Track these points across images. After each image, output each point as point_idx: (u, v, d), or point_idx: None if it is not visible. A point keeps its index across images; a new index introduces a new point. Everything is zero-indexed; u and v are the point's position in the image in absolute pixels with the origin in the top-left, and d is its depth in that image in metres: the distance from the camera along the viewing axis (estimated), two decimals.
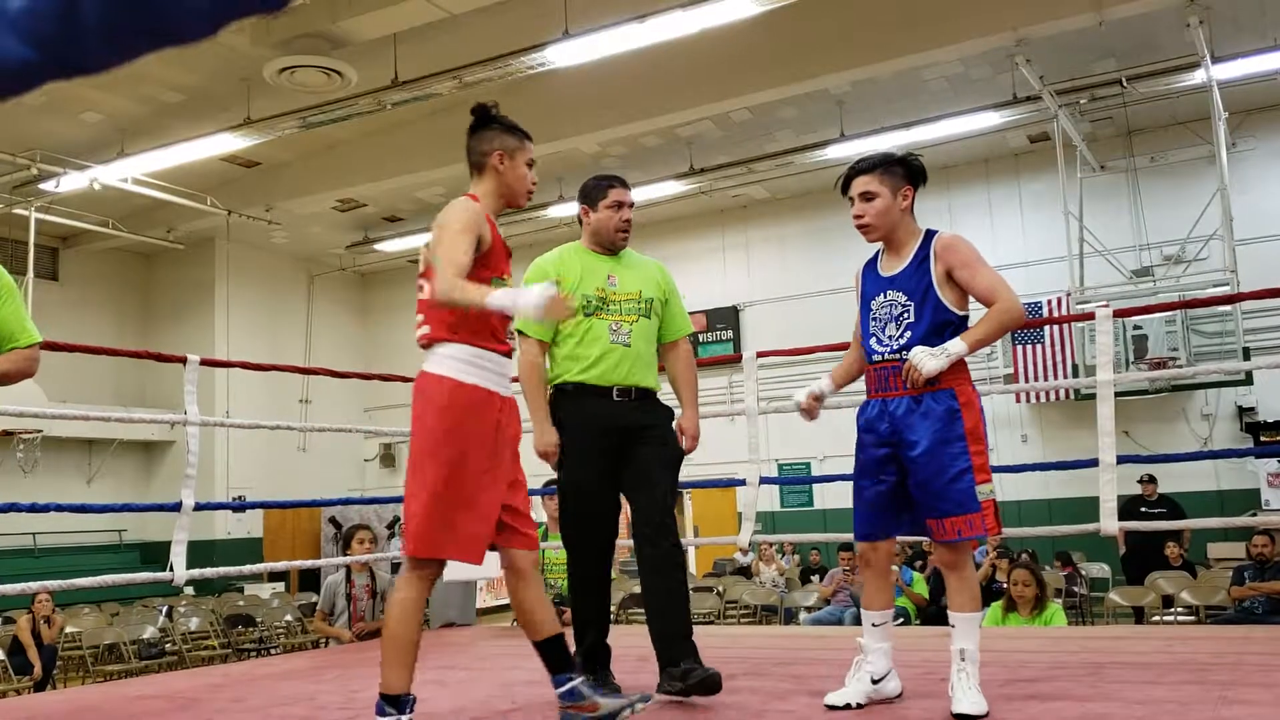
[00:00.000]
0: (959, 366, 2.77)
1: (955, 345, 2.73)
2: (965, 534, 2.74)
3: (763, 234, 14.55)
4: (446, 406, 2.59)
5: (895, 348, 2.79)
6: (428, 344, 2.69)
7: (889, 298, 2.82)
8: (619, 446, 3.18)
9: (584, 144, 12.20)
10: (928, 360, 2.69)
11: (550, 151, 12.25)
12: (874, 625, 2.86)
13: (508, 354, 2.74)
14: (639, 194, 13.09)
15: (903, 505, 2.83)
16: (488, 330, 2.66)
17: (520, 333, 3.27)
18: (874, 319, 2.85)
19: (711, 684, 2.90)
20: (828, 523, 13.27)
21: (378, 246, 15.40)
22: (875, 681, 2.82)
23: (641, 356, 3.26)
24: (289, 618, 9.94)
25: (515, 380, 2.86)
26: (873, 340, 2.85)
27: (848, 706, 2.76)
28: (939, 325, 2.78)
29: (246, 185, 13.53)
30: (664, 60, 10.00)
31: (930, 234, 2.89)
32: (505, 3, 9.30)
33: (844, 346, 5.16)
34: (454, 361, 2.62)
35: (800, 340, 9.09)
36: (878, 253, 2.96)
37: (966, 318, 2.84)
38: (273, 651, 8.99)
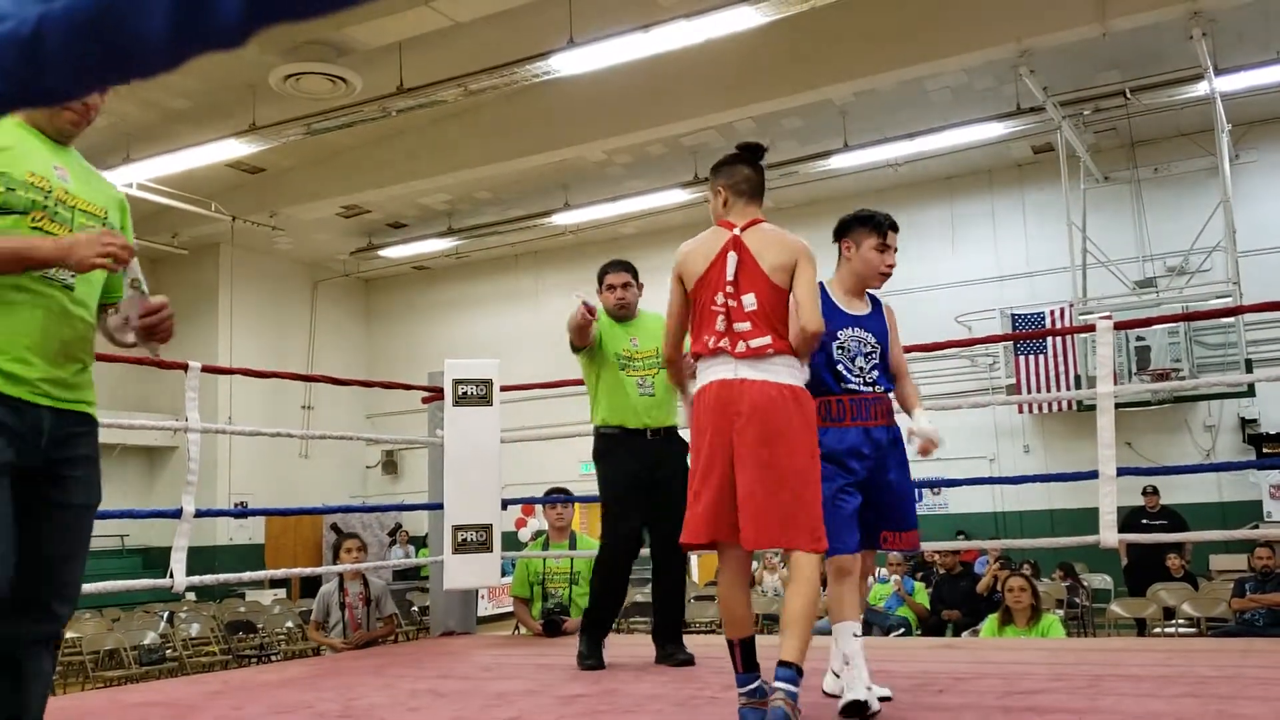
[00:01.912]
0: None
1: (922, 412, 3.21)
2: (916, 546, 3.23)
3: None
4: (812, 412, 2.86)
5: (868, 380, 3.14)
6: (769, 354, 2.83)
7: (856, 334, 3.16)
8: (652, 472, 4.13)
9: (589, 152, 12.24)
10: (934, 429, 3.14)
11: (555, 159, 12.29)
12: (855, 635, 2.97)
13: None
14: (643, 202, 13.23)
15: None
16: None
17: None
18: (841, 348, 3.15)
19: (687, 663, 4.04)
20: None
21: (382, 253, 15.43)
22: (868, 689, 2.88)
23: (663, 402, 4.19)
24: (290, 624, 9.93)
25: None
26: (841, 368, 3.13)
27: (866, 705, 2.84)
28: (888, 369, 3.22)
29: (251, 191, 13.57)
30: (668, 70, 10.03)
31: (872, 295, 3.30)
32: (510, 11, 9.34)
33: None
34: (798, 371, 2.89)
35: None
36: (822, 287, 3.15)
37: None
38: (273, 658, 8.99)
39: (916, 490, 3.20)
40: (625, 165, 12.95)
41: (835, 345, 3.12)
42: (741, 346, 2.82)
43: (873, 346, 3.15)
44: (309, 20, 0.68)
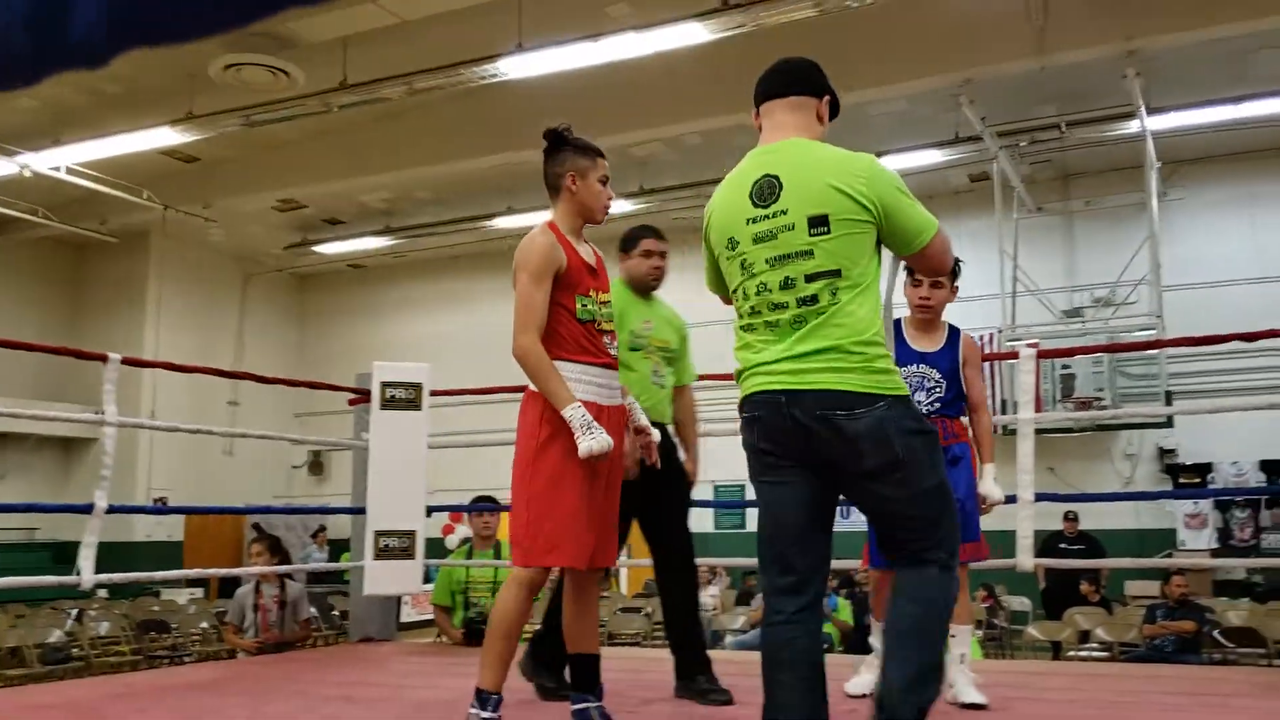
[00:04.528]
0: (960, 426, 3.48)
1: (991, 469, 3.43)
2: (975, 557, 3.42)
3: None
4: (539, 420, 2.75)
5: (926, 413, 3.34)
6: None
7: (921, 370, 3.43)
8: (647, 476, 3.24)
9: (535, 157, 12.06)
10: (998, 492, 3.39)
11: (500, 163, 12.20)
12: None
13: (608, 365, 2.89)
14: None
15: None
16: (579, 344, 2.81)
17: None
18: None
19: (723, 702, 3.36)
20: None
21: (317, 249, 15.18)
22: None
23: (670, 398, 3.67)
24: (205, 625, 9.69)
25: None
26: None
27: (864, 696, 3.28)
28: (957, 398, 3.44)
29: (185, 180, 13.26)
30: (618, 80, 10.02)
31: (954, 328, 3.50)
32: (459, 12, 9.26)
33: None
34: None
35: None
36: (898, 324, 3.45)
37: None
38: (186, 660, 8.77)
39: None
40: None
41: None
42: None
43: (936, 382, 3.43)
44: (170, 45, 0.66)
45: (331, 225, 15.06)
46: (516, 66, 9.19)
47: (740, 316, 2.38)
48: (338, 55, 9.77)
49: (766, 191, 2.34)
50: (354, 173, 12.60)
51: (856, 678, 3.48)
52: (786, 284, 2.27)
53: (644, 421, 3.08)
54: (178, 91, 10.47)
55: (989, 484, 3.38)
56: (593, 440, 2.64)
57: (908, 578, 2.28)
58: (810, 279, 2.25)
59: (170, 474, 14.31)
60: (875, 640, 3.54)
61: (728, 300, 2.50)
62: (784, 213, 2.28)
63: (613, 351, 2.92)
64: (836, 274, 2.25)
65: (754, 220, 2.33)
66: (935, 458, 2.30)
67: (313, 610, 6.55)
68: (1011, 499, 4.32)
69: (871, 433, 2.18)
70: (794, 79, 2.59)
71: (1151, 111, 10.21)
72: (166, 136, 10.74)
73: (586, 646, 2.92)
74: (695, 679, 3.49)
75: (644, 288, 3.70)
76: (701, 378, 5.37)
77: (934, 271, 2.52)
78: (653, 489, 3.36)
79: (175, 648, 9.13)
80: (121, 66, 10.28)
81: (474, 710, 2.79)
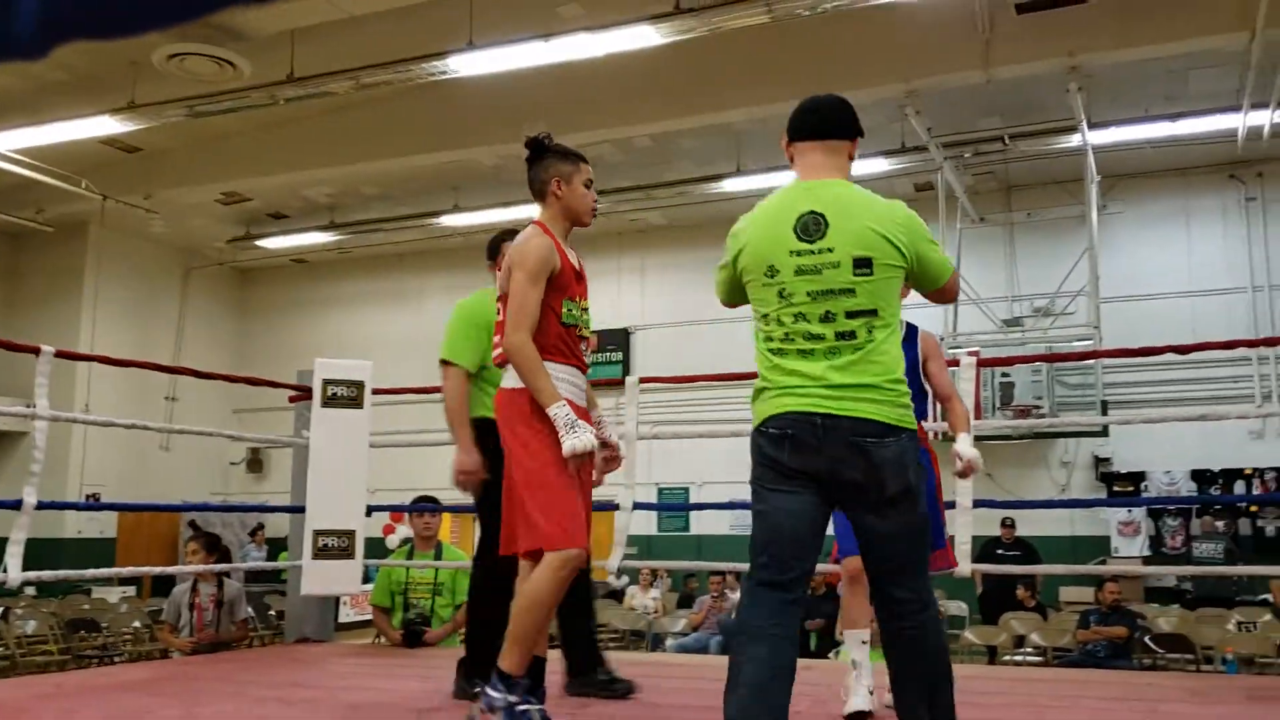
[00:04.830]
0: (921, 431, 3.30)
1: (966, 437, 3.31)
2: (939, 565, 3.24)
3: (658, 260, 14.63)
4: (530, 414, 2.75)
5: None
6: (503, 362, 2.86)
7: None
8: None
9: (483, 155, 12.10)
10: (974, 451, 3.24)
11: (448, 160, 12.12)
12: (863, 642, 3.22)
13: (583, 370, 2.94)
14: (535, 210, 13.11)
15: None
16: (558, 347, 2.85)
17: (446, 362, 3.56)
18: None
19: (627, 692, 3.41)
20: (702, 549, 13.36)
21: (260, 243, 14.94)
22: (872, 692, 3.15)
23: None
24: (137, 624, 9.48)
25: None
26: None
27: (870, 713, 3.09)
28: (917, 395, 3.25)
29: (126, 171, 12.98)
30: (569, 80, 10.01)
31: (911, 325, 3.42)
32: (409, 8, 9.19)
33: (730, 377, 5.21)
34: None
35: (688, 366, 9.14)
36: None
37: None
38: (117, 660, 8.57)
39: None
40: (519, 171, 12.83)
41: None
42: None
43: None
44: (111, 39, 0.66)
45: (275, 219, 14.83)
46: (466, 64, 9.13)
47: (770, 340, 2.48)
48: (285, 48, 9.63)
49: (812, 227, 2.44)
50: (299, 166, 12.43)
51: (852, 699, 3.17)
52: (827, 317, 2.40)
53: (612, 437, 3.11)
54: (120, 80, 10.25)
55: (965, 446, 3.27)
56: (577, 439, 2.67)
57: (917, 631, 2.42)
58: (850, 316, 2.40)
59: (104, 469, 13.99)
60: (856, 654, 3.24)
61: (730, 306, 2.69)
62: (830, 250, 2.40)
63: (587, 358, 2.97)
64: (874, 313, 2.41)
65: (798, 253, 2.43)
66: (924, 489, 2.49)
67: (249, 610, 6.44)
68: (950, 505, 4.38)
69: (894, 461, 2.36)
70: (832, 122, 2.70)
71: (1092, 126, 10.43)
72: (107, 125, 10.50)
73: (536, 649, 2.90)
74: (594, 671, 3.50)
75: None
76: (646, 380, 5.41)
77: (946, 302, 2.78)
78: None
79: (106, 647, 8.92)
80: (62, 53, 10.03)
81: (494, 693, 2.70)
